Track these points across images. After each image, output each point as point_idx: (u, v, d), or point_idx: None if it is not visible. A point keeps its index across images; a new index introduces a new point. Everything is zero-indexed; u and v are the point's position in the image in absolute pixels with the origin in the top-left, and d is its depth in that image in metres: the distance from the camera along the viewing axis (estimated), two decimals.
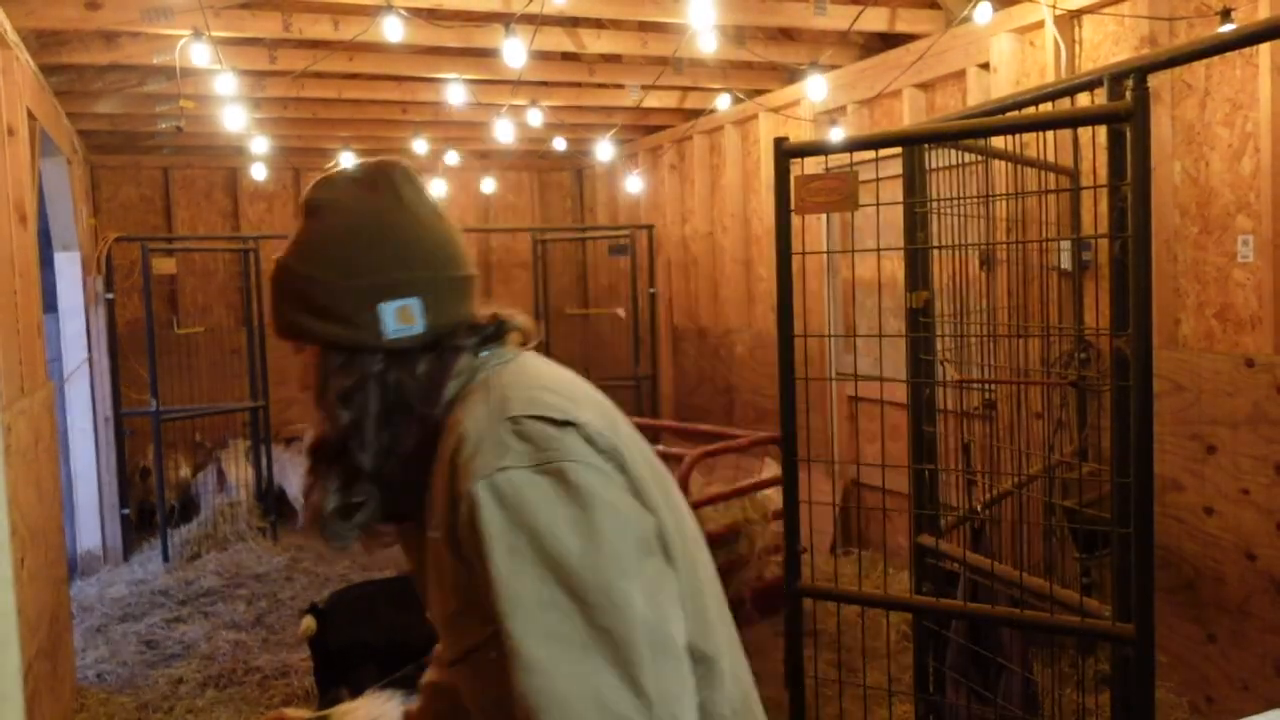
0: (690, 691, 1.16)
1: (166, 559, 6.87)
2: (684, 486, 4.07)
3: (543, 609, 1.08)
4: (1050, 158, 4.14)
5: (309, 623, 3.84)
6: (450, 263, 1.33)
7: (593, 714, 1.06)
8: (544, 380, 1.26)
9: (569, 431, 1.16)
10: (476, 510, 1.11)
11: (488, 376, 1.27)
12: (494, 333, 1.35)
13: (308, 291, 1.32)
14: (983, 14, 4.75)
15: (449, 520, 1.17)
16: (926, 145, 3.25)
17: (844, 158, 3.02)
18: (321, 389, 1.31)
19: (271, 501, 7.59)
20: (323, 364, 1.31)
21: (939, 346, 3.38)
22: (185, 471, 7.84)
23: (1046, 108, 3.04)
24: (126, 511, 7.09)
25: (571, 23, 6.14)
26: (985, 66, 5.08)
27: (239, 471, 7.60)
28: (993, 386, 4.21)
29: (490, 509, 1.11)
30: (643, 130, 8.76)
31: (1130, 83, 2.55)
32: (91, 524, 6.82)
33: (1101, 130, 3.60)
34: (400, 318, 1.27)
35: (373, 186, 1.36)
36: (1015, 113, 3.16)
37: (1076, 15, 4.59)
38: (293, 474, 7.89)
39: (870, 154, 2.95)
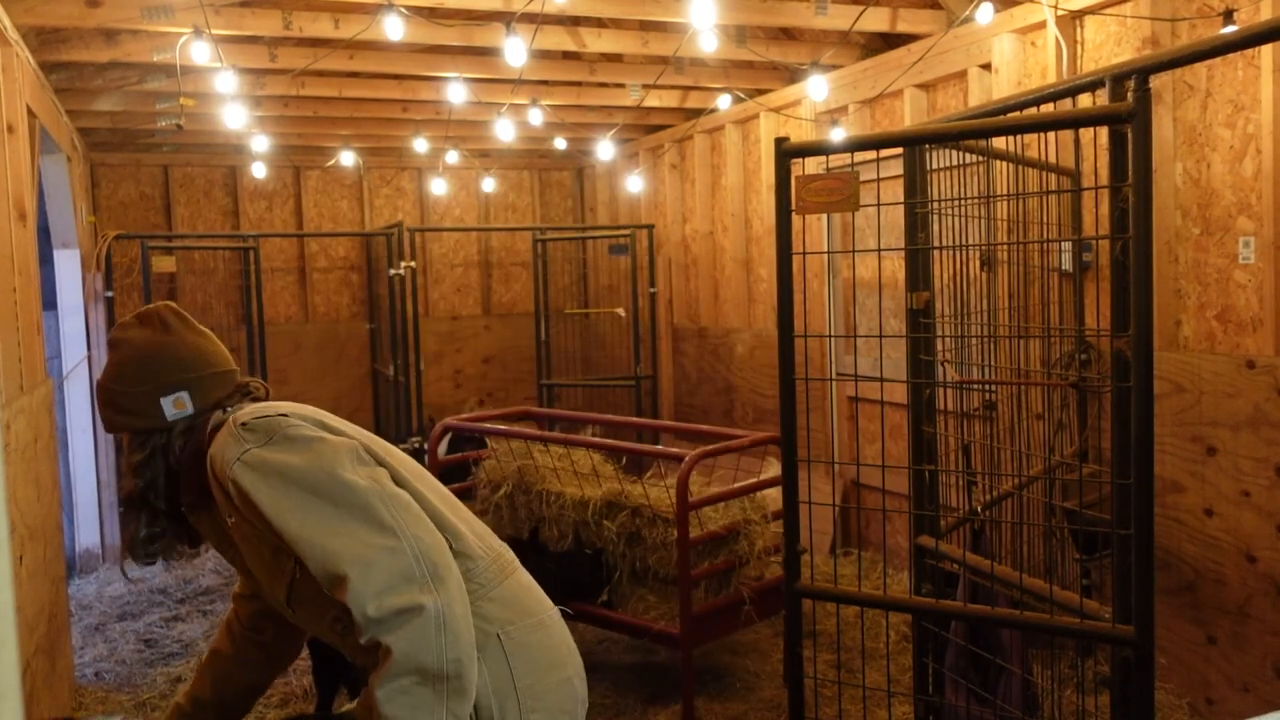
0: (427, 527, 1.75)
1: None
2: (684, 486, 4.07)
3: (300, 509, 1.69)
4: (1051, 159, 4.14)
5: None
6: (206, 364, 2.01)
7: (364, 554, 1.65)
8: (262, 407, 1.90)
9: (281, 419, 1.82)
10: (240, 483, 1.74)
11: (227, 417, 1.90)
12: (243, 394, 2.05)
13: (116, 399, 1.95)
14: (984, 14, 4.75)
15: (232, 503, 1.80)
16: (928, 146, 3.24)
17: (845, 158, 3.02)
18: (129, 462, 1.96)
19: None
20: (130, 445, 1.96)
21: (939, 347, 3.38)
22: None
23: (1048, 108, 3.04)
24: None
25: (572, 22, 6.13)
26: (987, 67, 5.07)
27: None
28: (993, 387, 4.21)
29: (247, 476, 1.74)
30: (643, 130, 8.76)
31: (1132, 84, 2.55)
32: (90, 522, 6.82)
33: (1103, 131, 3.60)
34: (175, 405, 1.94)
35: (149, 324, 2.01)
36: (1017, 113, 3.15)
37: (1078, 16, 4.59)
38: None
39: (871, 154, 2.95)
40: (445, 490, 1.99)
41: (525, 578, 1.98)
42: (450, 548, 1.79)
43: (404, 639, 1.62)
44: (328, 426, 1.85)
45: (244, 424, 1.80)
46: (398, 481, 1.82)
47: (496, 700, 1.80)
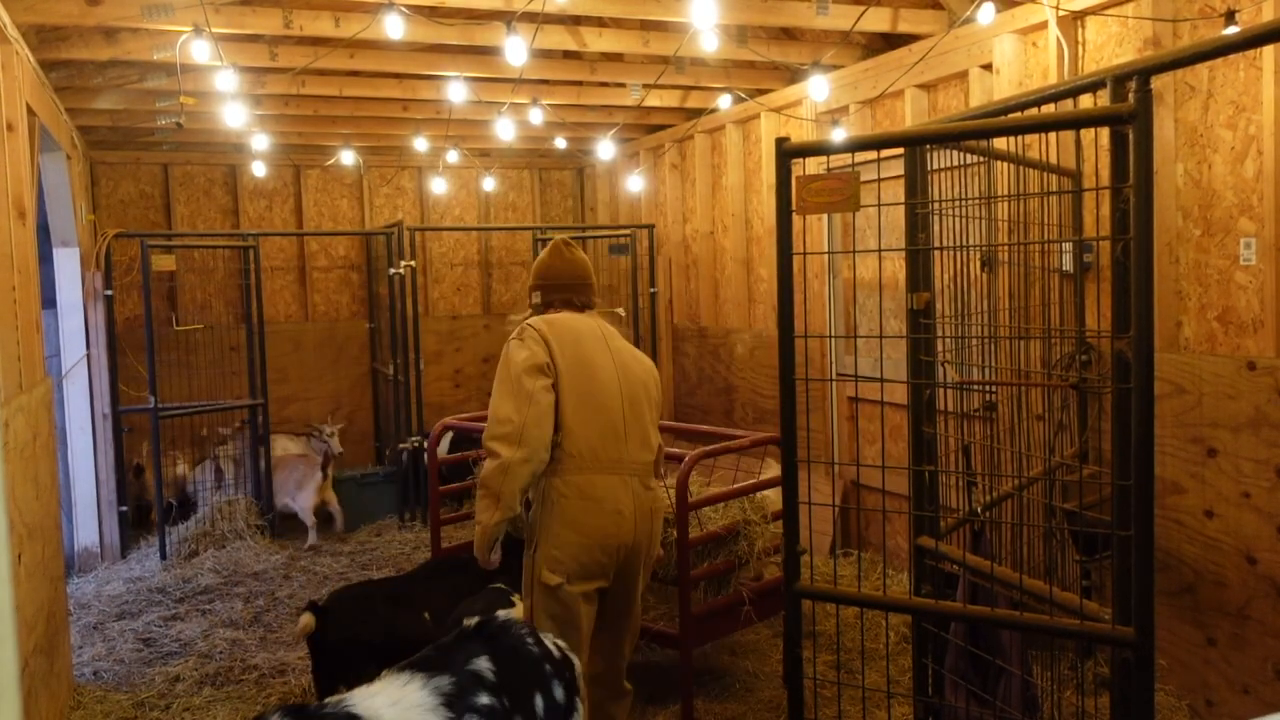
0: (540, 420, 3.22)
1: (164, 556, 6.86)
2: (683, 487, 4.07)
3: (500, 380, 3.32)
4: (1052, 159, 4.14)
5: (308, 619, 3.82)
6: (552, 278, 3.63)
7: (496, 411, 3.27)
8: (543, 319, 3.43)
9: (529, 329, 3.36)
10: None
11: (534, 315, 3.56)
12: (559, 303, 3.60)
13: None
14: (985, 15, 4.74)
15: None
16: (928, 146, 3.24)
17: (846, 158, 3.01)
18: None
19: (270, 500, 7.57)
20: None
21: (940, 348, 3.37)
22: (183, 468, 7.81)
23: (1049, 109, 3.03)
24: (125, 509, 7.08)
25: (573, 21, 6.13)
26: (988, 67, 5.07)
27: (236, 469, 7.58)
28: (993, 388, 4.20)
29: (505, 348, 3.41)
30: (644, 129, 8.75)
31: (1133, 84, 2.55)
32: (89, 521, 6.81)
33: (1104, 132, 3.60)
34: (532, 298, 3.66)
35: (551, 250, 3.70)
36: (1018, 114, 3.15)
37: (1079, 16, 4.58)
38: (280, 489, 7.60)
39: (872, 154, 2.95)
40: (625, 413, 3.41)
41: (602, 480, 3.32)
42: (559, 441, 3.27)
43: (487, 466, 3.24)
44: (548, 342, 3.31)
45: (520, 325, 3.38)
46: (558, 389, 3.27)
47: (535, 527, 3.36)
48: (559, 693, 2.62)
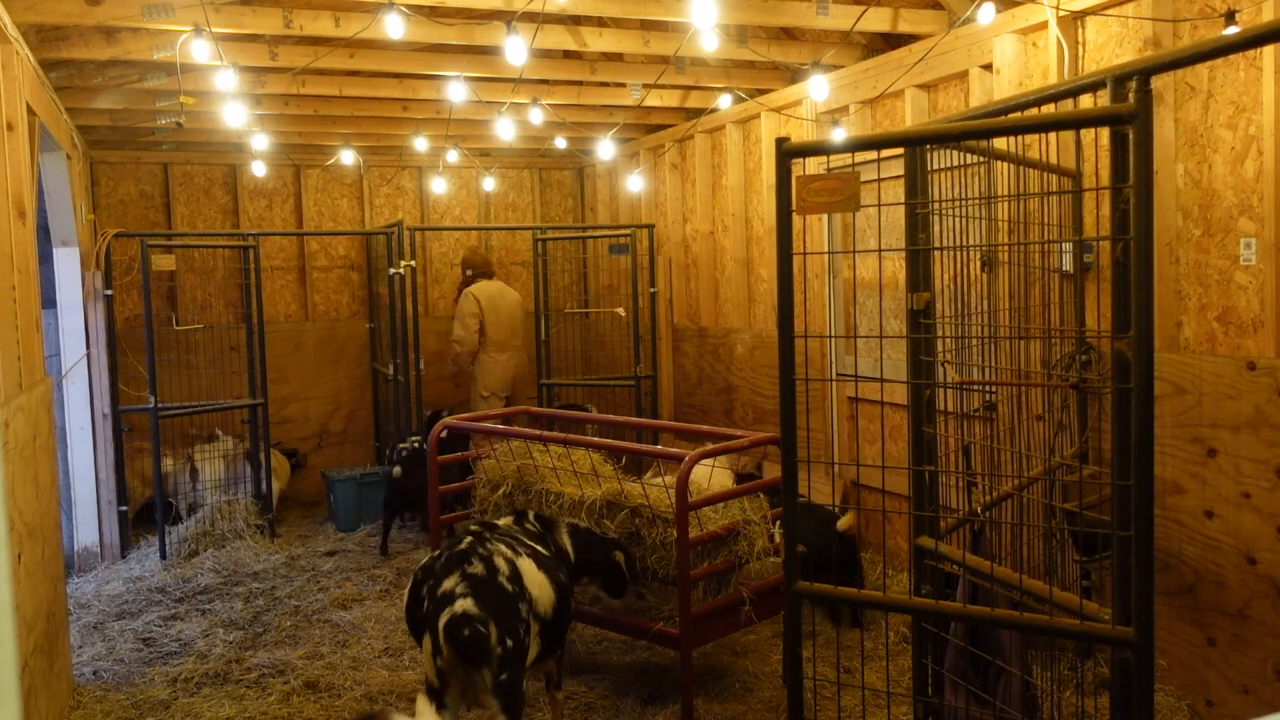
0: (473, 337, 8.11)
1: (164, 556, 6.86)
2: (683, 486, 4.07)
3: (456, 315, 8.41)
4: (1053, 159, 4.14)
5: None
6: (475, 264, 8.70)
7: (456, 330, 8.28)
8: (478, 285, 8.28)
9: (469, 292, 8.22)
10: None
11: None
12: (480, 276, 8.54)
13: None
14: (986, 15, 4.74)
15: None
16: (929, 146, 3.24)
17: (846, 158, 3.02)
18: None
19: (270, 500, 7.57)
20: None
21: (940, 348, 3.37)
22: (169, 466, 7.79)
23: (1049, 109, 3.03)
24: (125, 508, 7.08)
25: (573, 21, 6.13)
26: (988, 67, 5.07)
27: (212, 469, 7.59)
28: (993, 388, 4.20)
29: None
30: (644, 129, 8.75)
31: (1133, 85, 2.55)
32: (89, 521, 6.81)
33: (1104, 132, 3.60)
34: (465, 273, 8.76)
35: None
36: (1018, 114, 3.15)
37: (1080, 16, 4.58)
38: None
39: (872, 154, 2.94)
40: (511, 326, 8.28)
41: (492, 357, 8.15)
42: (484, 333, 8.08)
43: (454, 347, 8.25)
44: (480, 299, 8.06)
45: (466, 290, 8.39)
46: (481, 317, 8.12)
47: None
48: None
